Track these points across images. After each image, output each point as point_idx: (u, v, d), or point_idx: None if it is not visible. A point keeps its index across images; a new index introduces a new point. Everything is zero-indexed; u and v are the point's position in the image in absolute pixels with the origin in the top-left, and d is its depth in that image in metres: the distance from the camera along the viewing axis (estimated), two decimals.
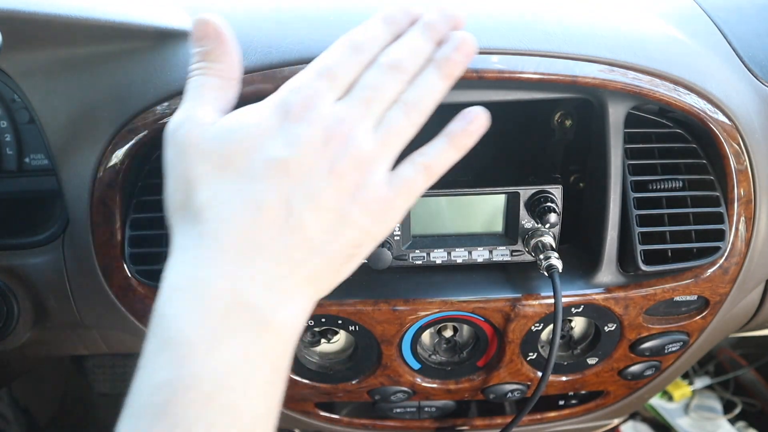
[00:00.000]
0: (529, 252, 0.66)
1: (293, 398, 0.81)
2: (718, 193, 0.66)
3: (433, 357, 0.75)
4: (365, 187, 0.46)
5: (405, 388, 0.76)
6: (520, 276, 0.68)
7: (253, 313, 0.43)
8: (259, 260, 0.44)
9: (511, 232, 0.67)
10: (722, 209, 0.66)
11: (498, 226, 0.68)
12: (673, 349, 0.73)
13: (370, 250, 0.49)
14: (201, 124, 0.46)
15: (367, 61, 0.49)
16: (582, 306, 0.68)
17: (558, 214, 0.64)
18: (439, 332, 0.74)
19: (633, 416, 1.42)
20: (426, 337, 0.74)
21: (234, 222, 0.44)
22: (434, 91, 0.50)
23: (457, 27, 0.51)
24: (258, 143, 0.45)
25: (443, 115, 0.81)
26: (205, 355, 0.41)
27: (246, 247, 0.44)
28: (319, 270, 0.46)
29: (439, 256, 0.67)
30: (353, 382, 0.75)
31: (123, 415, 0.41)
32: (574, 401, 0.85)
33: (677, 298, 0.69)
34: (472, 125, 0.51)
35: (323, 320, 0.68)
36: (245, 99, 0.59)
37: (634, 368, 0.75)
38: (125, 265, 0.66)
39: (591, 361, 0.74)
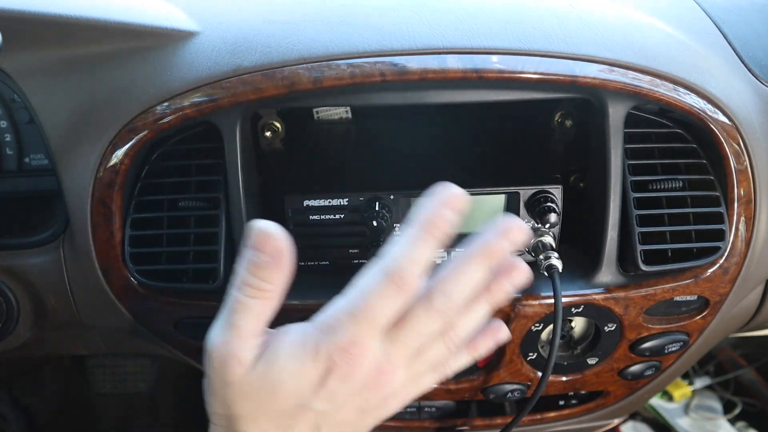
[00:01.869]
0: (529, 252, 0.66)
1: None
2: (718, 193, 0.66)
3: None
4: (385, 406, 0.52)
5: None
6: None
7: None
8: None
9: None
10: (722, 209, 0.66)
11: None
12: (673, 349, 0.73)
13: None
14: (243, 365, 0.48)
15: (411, 295, 0.48)
16: (582, 306, 0.68)
17: (558, 214, 0.64)
18: None
19: (633, 416, 1.42)
20: None
21: None
22: (480, 320, 0.53)
23: (513, 243, 0.50)
24: (298, 397, 0.48)
25: (444, 115, 0.82)
26: None
27: None
28: None
29: (439, 256, 0.67)
30: None
31: None
32: (574, 401, 0.85)
33: (677, 298, 0.69)
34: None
35: None
36: (244, 100, 0.60)
37: (634, 368, 0.75)
38: (125, 265, 0.66)
39: (591, 361, 0.74)
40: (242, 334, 0.49)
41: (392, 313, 0.48)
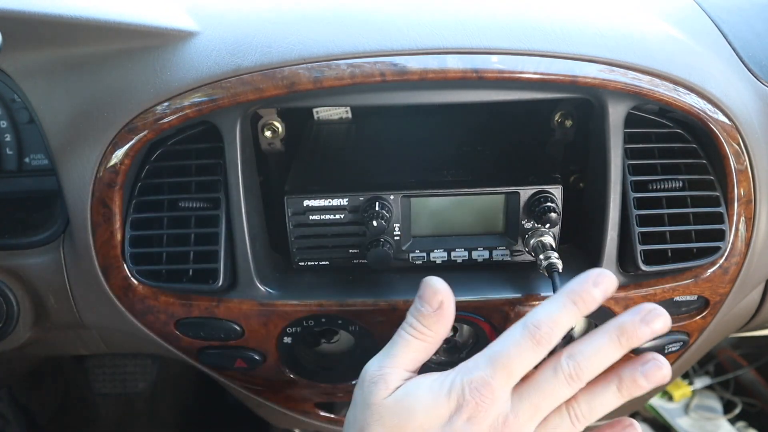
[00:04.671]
0: (529, 252, 0.66)
1: (293, 398, 0.81)
2: (718, 193, 0.66)
3: (433, 357, 0.74)
4: None
5: None
6: (520, 276, 0.68)
7: None
8: None
9: (511, 232, 0.67)
10: (722, 209, 0.66)
11: (498, 226, 0.68)
12: (673, 349, 0.73)
13: None
14: (387, 387, 0.54)
15: (546, 352, 0.52)
16: None
17: (558, 214, 0.64)
18: None
19: (633, 416, 1.42)
20: None
21: None
22: (607, 407, 0.53)
23: (652, 335, 0.52)
24: (426, 429, 0.51)
25: (444, 115, 0.82)
26: None
27: None
28: None
29: (439, 256, 0.67)
30: (353, 382, 0.75)
31: None
32: None
33: (677, 298, 0.69)
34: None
35: (323, 320, 0.68)
36: (244, 100, 0.60)
37: None
38: (125, 265, 0.66)
39: None
40: (397, 363, 0.55)
41: (525, 364, 0.51)
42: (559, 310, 0.52)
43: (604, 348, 0.52)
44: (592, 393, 0.53)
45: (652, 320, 0.52)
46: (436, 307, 0.55)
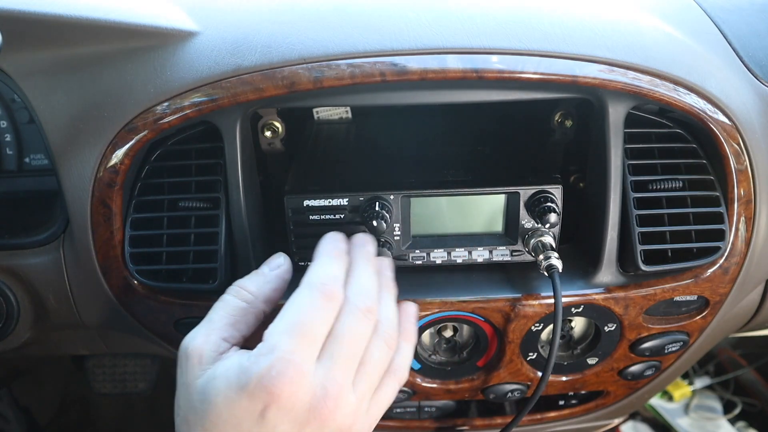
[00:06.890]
0: (529, 252, 0.66)
1: None
2: (718, 193, 0.66)
3: (433, 357, 0.75)
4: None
5: (405, 388, 0.76)
6: (520, 276, 0.68)
7: None
8: None
9: (511, 232, 0.67)
10: (722, 209, 0.66)
11: (498, 226, 0.67)
12: (673, 349, 0.73)
13: None
14: (201, 363, 0.49)
15: (338, 306, 0.50)
16: (582, 306, 0.68)
17: (558, 214, 0.64)
18: (439, 332, 0.74)
19: (633, 416, 1.42)
20: (426, 337, 0.74)
21: None
22: (393, 303, 0.56)
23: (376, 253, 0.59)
24: (228, 416, 0.46)
25: (444, 115, 0.82)
26: None
27: None
28: None
29: (439, 256, 0.67)
30: None
31: None
32: (574, 401, 0.85)
33: (677, 298, 0.69)
34: None
35: None
36: (244, 100, 0.60)
37: (634, 368, 0.76)
38: (125, 265, 0.66)
39: (591, 361, 0.74)
40: (213, 327, 0.51)
41: (326, 323, 0.48)
42: (331, 263, 0.52)
43: (370, 276, 0.53)
44: (382, 305, 0.53)
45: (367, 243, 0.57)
46: (275, 267, 0.55)
